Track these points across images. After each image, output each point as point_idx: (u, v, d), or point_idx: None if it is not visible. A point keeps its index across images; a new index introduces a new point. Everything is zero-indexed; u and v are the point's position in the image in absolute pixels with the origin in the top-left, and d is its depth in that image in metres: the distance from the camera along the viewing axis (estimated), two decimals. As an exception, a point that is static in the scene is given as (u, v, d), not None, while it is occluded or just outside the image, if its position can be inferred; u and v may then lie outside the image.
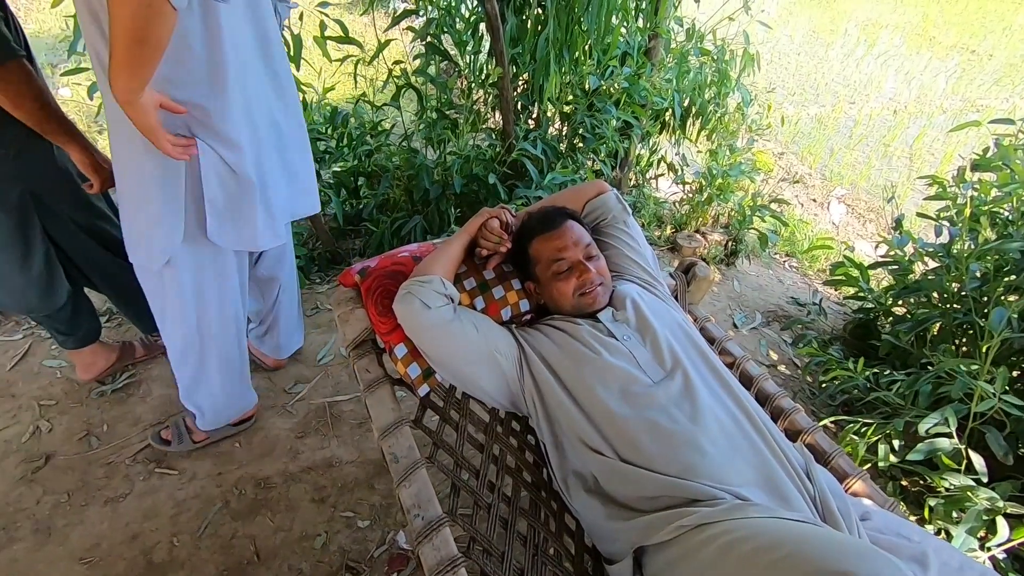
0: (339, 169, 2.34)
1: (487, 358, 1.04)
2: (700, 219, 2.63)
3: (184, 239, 1.16)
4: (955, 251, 1.55)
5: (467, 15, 2.15)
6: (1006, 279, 1.48)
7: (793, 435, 1.12)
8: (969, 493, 1.20)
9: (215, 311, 1.32)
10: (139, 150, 1.04)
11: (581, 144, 2.28)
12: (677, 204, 2.75)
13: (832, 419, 1.64)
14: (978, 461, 1.24)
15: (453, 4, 2.05)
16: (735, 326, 2.16)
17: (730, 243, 2.54)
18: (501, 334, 1.08)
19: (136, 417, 1.62)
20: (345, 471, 1.51)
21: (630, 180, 2.70)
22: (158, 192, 1.10)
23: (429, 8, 2.09)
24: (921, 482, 1.47)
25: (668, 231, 2.62)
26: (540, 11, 2.07)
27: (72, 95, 3.49)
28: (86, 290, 1.58)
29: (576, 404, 0.99)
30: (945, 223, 1.74)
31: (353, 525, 1.39)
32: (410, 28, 2.18)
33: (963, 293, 1.51)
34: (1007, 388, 1.27)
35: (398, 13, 2.05)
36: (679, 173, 2.59)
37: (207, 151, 1.08)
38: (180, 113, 1.00)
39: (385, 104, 2.25)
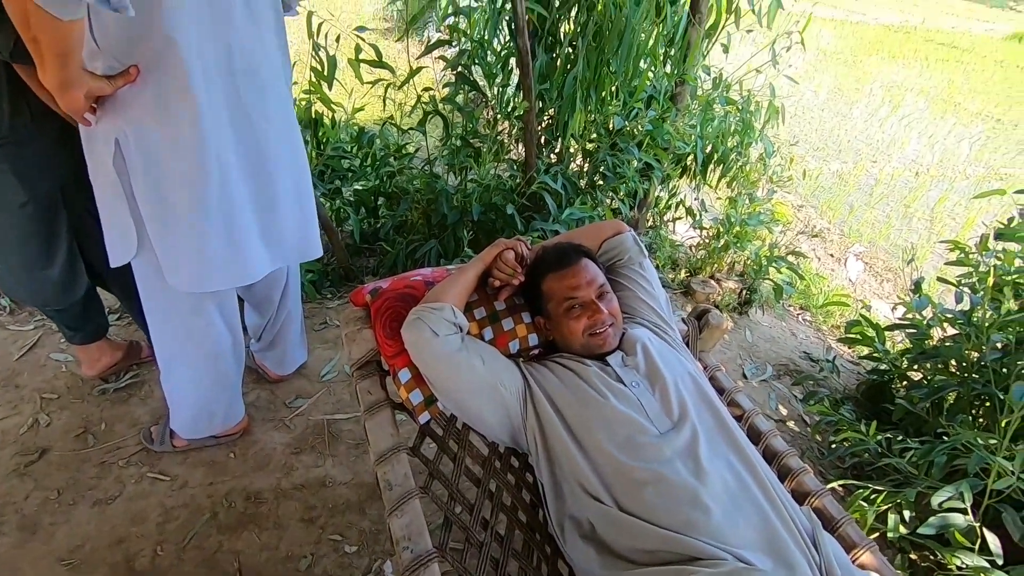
0: (360, 187, 2.37)
1: (491, 390, 1.02)
2: (715, 265, 2.61)
3: (138, 254, 1.15)
4: (976, 319, 1.52)
5: (499, 48, 2.20)
6: (1028, 352, 1.44)
7: (800, 497, 1.08)
8: (982, 574, 1.15)
9: (190, 332, 1.30)
10: (89, 146, 1.07)
11: (601, 182, 2.29)
12: (693, 248, 2.75)
13: (841, 482, 1.59)
14: (993, 541, 1.19)
15: (486, 37, 2.10)
16: (744, 376, 2.13)
17: (744, 292, 2.51)
18: (507, 367, 1.06)
19: (135, 418, 1.61)
20: (337, 492, 1.48)
21: (647, 221, 2.70)
22: (103, 195, 1.11)
23: (462, 39, 2.14)
24: (931, 557, 1.41)
25: (682, 274, 2.60)
26: (570, 50, 2.12)
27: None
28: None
29: (579, 446, 0.97)
30: (966, 290, 1.71)
31: (340, 549, 1.36)
32: (442, 57, 2.23)
33: (983, 363, 1.48)
34: (1027, 466, 1.22)
35: (432, 42, 2.10)
36: (697, 218, 2.59)
37: (129, 138, 1.01)
38: (107, 93, 0.96)
39: (411, 128, 2.29)
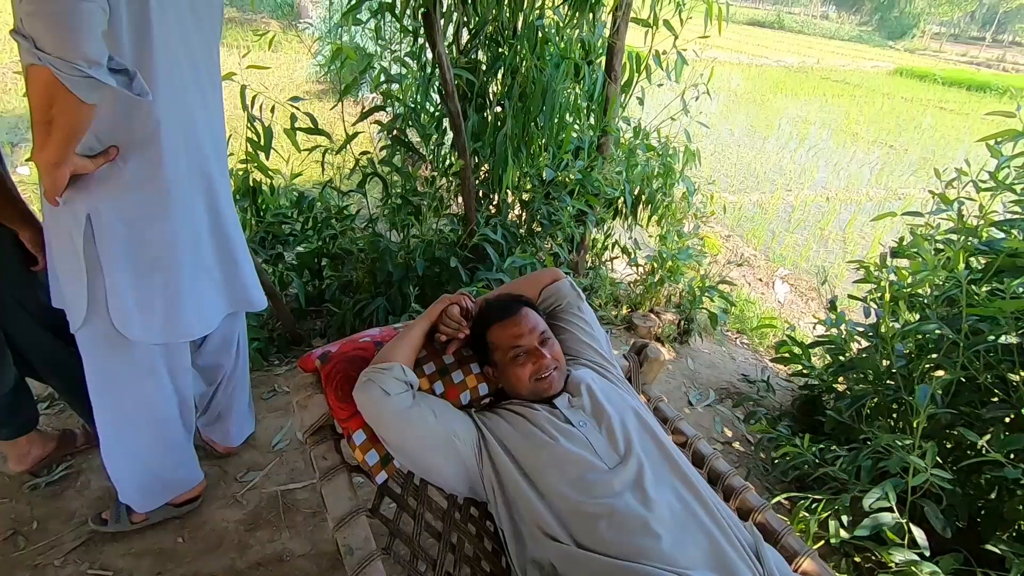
0: (303, 250, 2.38)
1: (445, 444, 1.05)
2: (654, 299, 2.75)
3: (88, 316, 1.16)
4: (882, 332, 1.68)
5: (432, 111, 2.31)
6: (928, 357, 1.61)
7: (744, 514, 1.15)
8: (913, 568, 1.24)
9: (138, 397, 1.31)
10: (53, 223, 1.12)
11: (539, 229, 2.41)
12: (632, 285, 2.88)
13: (785, 496, 1.68)
14: (919, 535, 1.29)
15: (419, 101, 2.21)
16: (690, 403, 2.23)
17: (682, 322, 2.65)
18: (460, 419, 1.10)
19: (70, 512, 1.52)
20: (296, 565, 1.44)
21: (586, 263, 2.83)
22: (63, 269, 1.16)
23: (396, 104, 2.24)
24: (873, 557, 1.51)
25: (624, 311, 2.72)
26: (499, 110, 2.25)
27: (30, 174, 3.48)
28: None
29: (534, 489, 1.01)
30: (873, 305, 1.89)
31: (302, 626, 1.31)
32: (377, 122, 2.32)
33: (893, 371, 1.63)
34: (939, 462, 1.35)
35: (367, 109, 2.19)
36: (632, 256, 2.74)
37: (102, 212, 1.08)
38: (89, 171, 1.02)
39: (351, 190, 2.34)
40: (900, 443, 1.39)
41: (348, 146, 2.18)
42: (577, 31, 2.24)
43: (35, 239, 1.29)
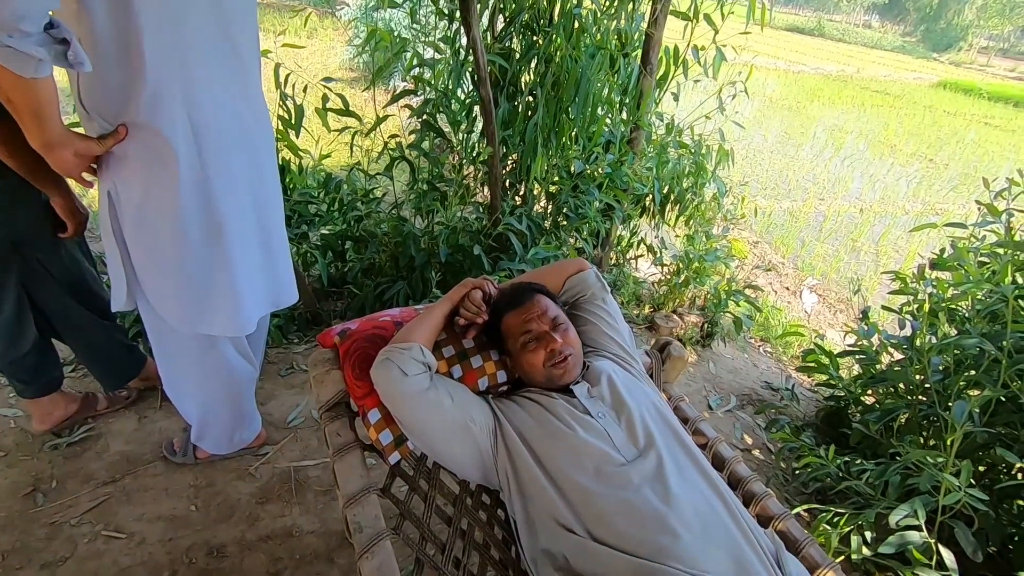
0: (327, 232, 2.39)
1: (461, 428, 1.03)
2: (677, 300, 2.70)
3: (139, 299, 1.19)
4: (918, 344, 1.61)
5: (463, 97, 2.29)
6: (966, 373, 1.54)
7: (764, 521, 1.11)
8: (940, 590, 1.19)
9: (203, 370, 1.35)
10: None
11: (565, 222, 2.37)
12: (655, 284, 2.84)
13: (805, 507, 1.63)
14: (948, 557, 1.23)
15: (450, 87, 2.19)
16: (710, 408, 2.18)
17: (706, 325, 2.60)
18: (476, 404, 1.08)
19: (89, 474, 1.55)
20: (305, 541, 1.44)
21: (611, 259, 2.79)
22: (106, 245, 1.15)
23: (427, 89, 2.23)
24: (895, 577, 1.45)
25: (646, 310, 2.68)
26: (531, 99, 2.22)
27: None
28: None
29: (550, 479, 0.98)
30: (908, 317, 1.82)
31: (308, 602, 1.31)
32: (408, 106, 2.31)
33: (927, 385, 1.56)
34: (972, 482, 1.28)
35: (398, 92, 2.18)
36: (658, 255, 2.69)
37: (119, 191, 1.06)
38: (95, 153, 1.00)
39: (378, 174, 2.34)
40: (932, 460, 1.33)
41: (377, 130, 2.17)
42: (615, 22, 2.20)
43: (66, 206, 1.30)
